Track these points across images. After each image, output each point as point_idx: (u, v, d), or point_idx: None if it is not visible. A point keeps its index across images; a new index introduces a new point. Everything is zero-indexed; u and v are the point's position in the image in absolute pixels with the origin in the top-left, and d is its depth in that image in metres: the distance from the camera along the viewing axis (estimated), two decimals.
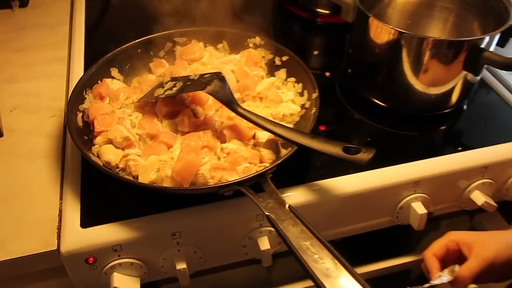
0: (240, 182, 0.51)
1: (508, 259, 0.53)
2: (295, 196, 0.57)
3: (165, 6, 0.76)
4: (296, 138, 0.54)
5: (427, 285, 0.51)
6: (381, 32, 0.64)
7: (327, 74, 0.77)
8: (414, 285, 0.52)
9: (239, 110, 0.58)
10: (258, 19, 0.91)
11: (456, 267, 0.52)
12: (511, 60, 0.59)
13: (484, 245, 0.54)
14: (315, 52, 0.82)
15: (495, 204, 0.64)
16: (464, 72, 0.64)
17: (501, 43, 0.65)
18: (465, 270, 0.52)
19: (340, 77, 0.77)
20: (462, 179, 0.63)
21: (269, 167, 0.53)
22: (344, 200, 0.59)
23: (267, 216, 0.48)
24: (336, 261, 0.42)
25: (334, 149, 0.53)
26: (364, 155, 0.51)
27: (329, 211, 0.60)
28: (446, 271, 0.52)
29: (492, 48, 0.63)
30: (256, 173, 0.52)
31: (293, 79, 0.68)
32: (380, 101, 0.70)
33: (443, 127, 0.70)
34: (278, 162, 0.54)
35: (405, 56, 0.64)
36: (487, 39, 0.61)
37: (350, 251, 0.66)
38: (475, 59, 0.60)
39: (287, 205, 0.49)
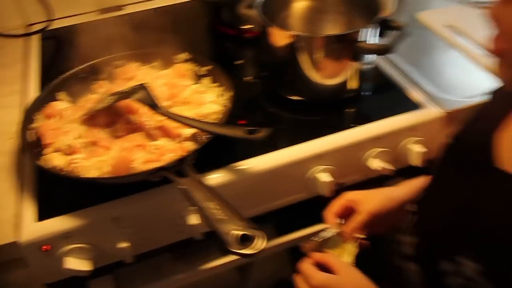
0: (163, 167, 0.62)
1: (389, 211, 0.65)
2: (218, 178, 0.69)
3: (107, 37, 0.90)
4: (208, 127, 0.67)
5: (316, 238, 0.62)
6: (281, 37, 0.77)
7: (250, 78, 0.90)
8: None
9: (162, 111, 0.70)
10: (190, 39, 1.05)
11: (342, 221, 0.63)
12: (382, 46, 0.73)
13: (368, 200, 0.65)
14: (240, 62, 0.95)
15: (392, 168, 0.76)
16: (355, 62, 0.77)
17: (382, 34, 0.78)
18: (351, 222, 0.63)
19: (260, 81, 0.89)
20: (359, 150, 0.75)
21: (187, 154, 0.64)
22: (260, 177, 0.70)
23: (180, 189, 0.59)
24: (232, 213, 0.53)
25: (239, 132, 0.65)
26: (262, 133, 0.63)
27: (249, 188, 0.71)
28: (335, 225, 0.63)
29: (373, 40, 0.77)
30: (177, 159, 0.63)
31: (216, 84, 0.81)
32: (293, 96, 0.83)
33: (344, 110, 0.82)
34: (196, 149, 0.65)
35: (303, 54, 0.76)
36: (363, 32, 0.74)
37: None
38: (354, 49, 0.73)
39: (197, 179, 0.60)
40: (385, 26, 0.77)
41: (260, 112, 0.83)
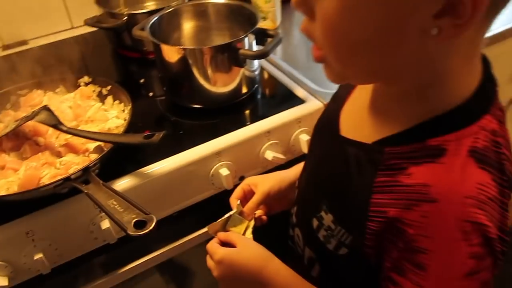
0: (67, 178, 0.67)
1: (281, 189, 0.73)
2: (127, 183, 0.74)
3: (11, 69, 0.94)
4: (108, 137, 0.73)
5: (223, 217, 0.69)
6: (173, 53, 0.86)
7: (151, 94, 0.98)
8: None
9: (65, 129, 0.75)
10: (94, 64, 1.11)
11: (239, 201, 0.71)
12: (261, 51, 0.84)
13: (263, 182, 0.73)
14: (142, 80, 1.02)
15: (284, 157, 0.86)
16: (242, 69, 0.87)
17: (261, 42, 0.89)
18: (249, 203, 0.71)
19: (163, 94, 0.97)
20: (255, 144, 0.84)
21: (89, 163, 0.70)
22: (168, 178, 0.77)
23: (86, 193, 0.64)
24: (128, 205, 0.60)
25: (137, 138, 0.72)
26: (156, 137, 0.70)
27: (160, 190, 0.77)
28: (236, 206, 0.71)
29: (253, 47, 0.87)
30: (79, 169, 0.69)
31: (117, 101, 0.87)
32: (192, 104, 0.91)
33: (239, 111, 0.91)
34: (97, 158, 0.71)
35: (195, 66, 0.85)
36: (244, 41, 0.84)
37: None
38: (236, 56, 0.83)
39: (101, 183, 0.66)
40: (263, 35, 0.89)
41: (164, 123, 0.90)
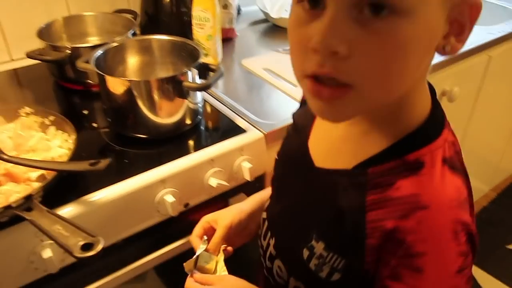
0: (8, 206, 0.67)
1: (241, 222, 0.75)
2: (72, 210, 0.74)
3: None
4: (52, 165, 0.73)
5: (194, 257, 0.70)
6: (118, 85, 0.88)
7: (95, 125, 0.99)
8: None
9: (5, 157, 0.74)
10: (36, 96, 1.10)
11: (205, 237, 0.73)
12: (202, 84, 0.89)
13: (222, 217, 0.75)
14: (86, 112, 1.03)
15: (227, 184, 0.89)
16: (185, 101, 0.92)
17: (203, 76, 0.94)
18: (213, 238, 0.73)
19: (108, 126, 0.98)
20: (199, 171, 0.87)
21: (32, 191, 0.69)
22: (113, 205, 0.78)
23: (29, 220, 0.64)
24: (74, 229, 0.60)
25: (82, 166, 0.73)
26: (102, 163, 0.72)
27: (106, 217, 0.77)
28: (200, 244, 0.73)
29: (196, 80, 0.92)
30: (22, 197, 0.68)
31: (60, 131, 0.88)
32: (137, 134, 0.93)
33: (183, 141, 0.95)
34: (41, 186, 0.71)
35: (140, 98, 0.88)
36: (187, 74, 0.89)
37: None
38: (180, 88, 0.88)
39: (44, 210, 0.66)
40: (205, 69, 0.94)
41: (109, 152, 0.91)
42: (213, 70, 0.93)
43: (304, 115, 0.65)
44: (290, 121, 0.97)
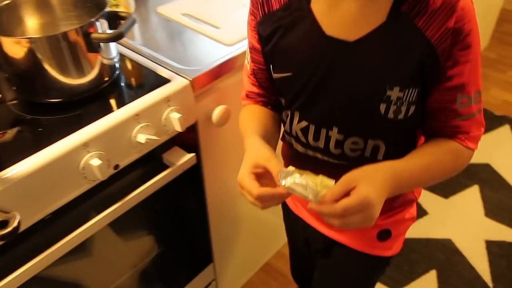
0: None
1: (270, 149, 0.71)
2: None
3: None
4: None
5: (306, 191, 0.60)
6: (16, 47, 0.78)
7: (0, 97, 0.88)
8: None
9: None
10: None
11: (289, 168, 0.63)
12: (112, 34, 0.81)
13: (264, 154, 0.67)
14: None
15: (157, 138, 0.84)
16: (98, 56, 0.83)
17: (113, 26, 0.86)
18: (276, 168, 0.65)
19: (13, 98, 0.88)
20: (125, 129, 0.81)
21: None
22: (30, 180, 0.70)
23: None
24: None
25: None
26: (9, 134, 0.64)
27: (23, 192, 0.70)
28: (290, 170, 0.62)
29: (106, 31, 0.84)
30: None
31: None
32: (49, 99, 0.84)
33: (103, 99, 0.87)
34: None
35: (45, 58, 0.79)
36: (94, 25, 0.80)
37: None
38: (89, 41, 0.79)
39: None
40: (116, 18, 0.86)
41: (20, 124, 0.82)
42: (123, 18, 0.85)
43: (286, 13, 0.69)
44: (216, 64, 0.94)
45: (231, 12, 1.13)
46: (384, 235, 0.85)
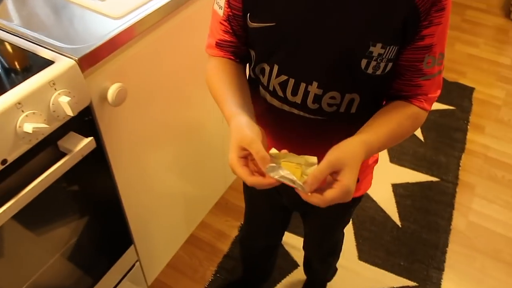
0: None
1: (254, 126, 0.69)
2: None
3: None
4: None
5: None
6: None
7: None
8: None
9: None
10: None
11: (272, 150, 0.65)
12: None
13: (245, 136, 0.65)
14: None
15: (47, 126, 0.78)
16: None
17: None
18: (260, 153, 0.64)
19: None
20: (5, 121, 0.74)
21: None
22: None
23: None
24: None
25: None
26: None
27: None
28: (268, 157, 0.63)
29: None
30: None
31: None
32: None
33: None
34: None
35: None
36: None
37: None
38: None
39: None
40: None
41: None
42: None
43: None
44: (105, 40, 0.88)
45: None
46: None
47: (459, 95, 2.34)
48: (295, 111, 0.77)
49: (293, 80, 0.73)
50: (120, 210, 1.16)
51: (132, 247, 1.27)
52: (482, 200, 1.85)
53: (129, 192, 1.15)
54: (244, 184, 1.12)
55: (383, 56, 0.68)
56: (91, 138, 0.89)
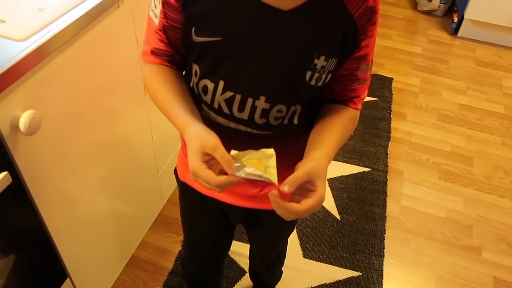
0: None
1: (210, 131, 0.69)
2: None
3: None
4: None
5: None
6: None
7: None
8: None
9: None
10: None
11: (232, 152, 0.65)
12: None
13: (207, 139, 0.66)
14: None
15: None
16: None
17: None
18: (223, 157, 0.65)
19: None
20: None
21: None
22: None
23: None
24: None
25: None
26: None
27: None
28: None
29: None
30: None
31: None
32: None
33: None
34: None
35: None
36: None
37: None
38: None
39: None
40: None
41: None
42: None
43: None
44: (9, 65, 0.81)
45: (16, 2, 0.98)
46: None
47: (380, 86, 2.46)
48: (242, 128, 0.76)
49: (240, 96, 0.72)
50: (49, 244, 1.08)
51: (67, 280, 1.19)
52: (411, 184, 1.95)
53: (56, 223, 1.07)
54: (182, 208, 1.08)
55: (325, 68, 0.71)
56: (6, 172, 0.82)
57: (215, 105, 0.75)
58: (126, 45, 1.17)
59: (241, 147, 0.66)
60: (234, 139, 0.72)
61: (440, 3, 3.00)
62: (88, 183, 1.18)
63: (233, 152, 0.65)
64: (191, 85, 0.78)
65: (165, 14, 0.73)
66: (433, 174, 2.01)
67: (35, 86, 0.88)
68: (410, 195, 1.91)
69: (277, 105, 0.74)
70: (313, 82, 0.72)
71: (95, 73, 1.07)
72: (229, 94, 0.73)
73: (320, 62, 0.70)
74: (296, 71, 0.71)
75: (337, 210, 1.81)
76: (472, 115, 2.32)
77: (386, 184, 1.93)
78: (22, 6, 0.96)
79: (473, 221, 1.82)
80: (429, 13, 3.12)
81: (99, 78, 1.09)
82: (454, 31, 2.91)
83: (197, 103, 0.78)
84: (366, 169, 1.98)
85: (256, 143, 0.69)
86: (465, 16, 2.78)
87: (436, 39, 2.89)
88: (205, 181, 0.64)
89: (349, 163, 2.01)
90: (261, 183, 0.67)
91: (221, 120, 0.77)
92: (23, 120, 0.84)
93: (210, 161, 0.66)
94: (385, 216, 1.81)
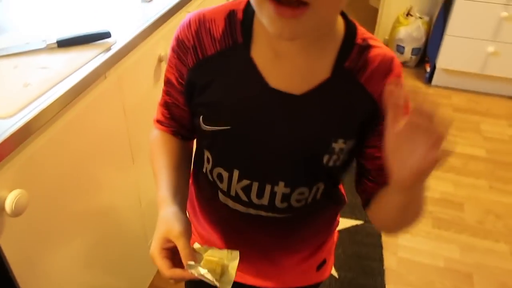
0: None
1: (184, 221, 0.66)
2: None
3: None
4: None
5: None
6: None
7: None
8: None
9: None
10: None
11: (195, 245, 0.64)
12: None
13: (171, 228, 0.64)
14: None
15: None
16: None
17: None
18: (183, 251, 0.62)
19: None
20: None
21: None
22: None
23: None
24: None
25: None
26: None
27: None
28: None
29: None
30: None
31: None
32: None
33: None
34: None
35: None
36: None
37: None
38: None
39: None
40: None
41: None
42: None
43: (223, 61, 0.64)
44: None
45: (1, 78, 0.96)
46: (321, 264, 0.89)
47: None
48: (263, 213, 0.73)
49: (257, 184, 0.69)
50: None
51: None
52: (406, 234, 1.93)
53: None
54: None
55: (344, 150, 0.67)
56: None
57: (232, 193, 0.72)
58: (113, 115, 1.15)
59: (263, 232, 0.66)
60: (255, 225, 0.70)
61: (412, 55, 3.12)
62: (76, 258, 1.11)
63: (196, 245, 0.64)
64: (204, 171, 0.76)
65: (167, 92, 0.73)
66: (426, 222, 1.99)
67: (22, 164, 0.85)
68: (406, 246, 1.88)
69: (297, 188, 0.70)
70: (331, 164, 0.67)
71: (82, 146, 1.04)
72: (245, 182, 0.70)
73: (338, 145, 0.65)
74: (313, 156, 0.67)
75: (335, 267, 1.76)
76: (456, 160, 2.36)
77: (381, 236, 1.90)
78: (7, 82, 0.94)
79: (472, 268, 1.79)
80: (402, 64, 3.24)
81: (87, 150, 1.07)
82: (428, 80, 3.02)
83: (213, 190, 0.75)
84: (359, 222, 1.95)
85: (279, 226, 0.70)
86: (437, 66, 2.90)
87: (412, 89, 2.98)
88: (159, 269, 0.63)
89: (341, 217, 1.98)
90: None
91: (240, 207, 0.73)
92: (9, 201, 0.79)
93: (173, 248, 0.63)
94: (383, 270, 1.76)
